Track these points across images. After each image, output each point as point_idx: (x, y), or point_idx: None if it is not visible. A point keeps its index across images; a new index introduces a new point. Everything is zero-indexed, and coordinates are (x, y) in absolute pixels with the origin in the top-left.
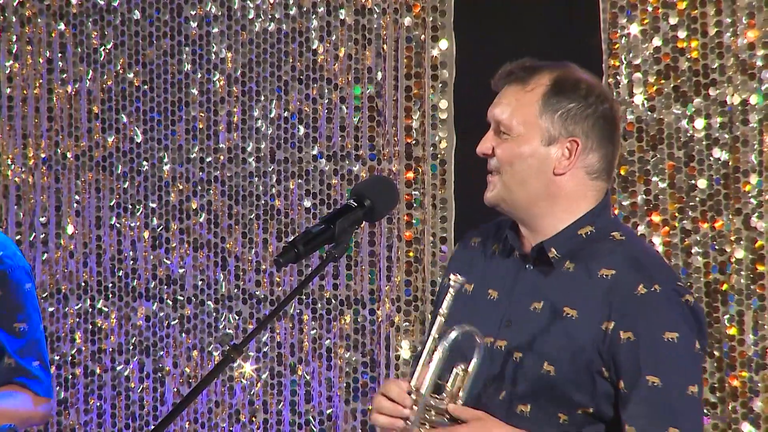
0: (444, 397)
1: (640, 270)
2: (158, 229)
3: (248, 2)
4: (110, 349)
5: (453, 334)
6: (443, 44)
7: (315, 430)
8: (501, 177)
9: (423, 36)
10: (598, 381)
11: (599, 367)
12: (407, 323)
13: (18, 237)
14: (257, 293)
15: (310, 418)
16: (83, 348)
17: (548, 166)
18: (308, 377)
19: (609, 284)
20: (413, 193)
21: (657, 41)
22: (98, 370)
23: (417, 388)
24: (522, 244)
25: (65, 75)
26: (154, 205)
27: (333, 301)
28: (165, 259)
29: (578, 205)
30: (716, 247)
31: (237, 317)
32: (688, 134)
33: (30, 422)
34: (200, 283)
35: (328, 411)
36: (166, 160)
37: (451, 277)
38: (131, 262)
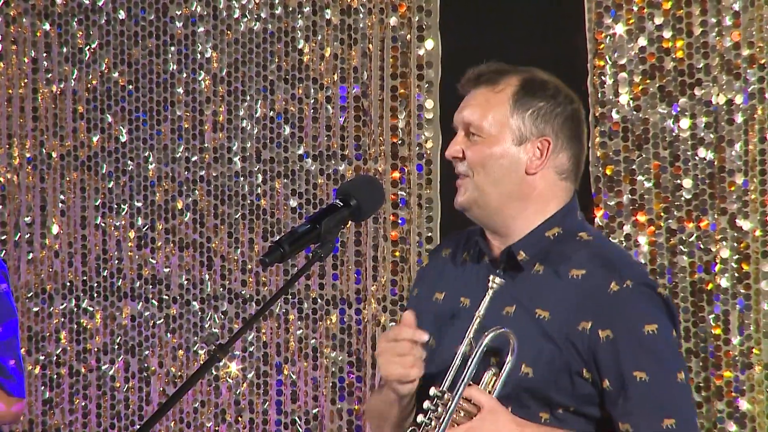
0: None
1: (609, 267)
2: (144, 229)
3: (234, 2)
4: (95, 349)
5: (488, 338)
6: (429, 44)
7: (301, 429)
8: (472, 179)
9: (409, 36)
10: (577, 382)
11: (579, 368)
12: (393, 323)
13: (3, 237)
14: (243, 293)
15: (296, 417)
16: (68, 348)
17: (520, 165)
18: (294, 377)
19: (580, 284)
20: (399, 192)
21: (642, 41)
22: (83, 370)
23: (449, 389)
24: (491, 250)
25: (50, 75)
26: (139, 205)
27: (319, 300)
28: (150, 259)
29: (548, 207)
30: (702, 247)
31: (223, 317)
32: (674, 134)
33: (2, 421)
34: (186, 282)
35: (314, 411)
36: (151, 159)
37: (491, 278)
38: (116, 261)
